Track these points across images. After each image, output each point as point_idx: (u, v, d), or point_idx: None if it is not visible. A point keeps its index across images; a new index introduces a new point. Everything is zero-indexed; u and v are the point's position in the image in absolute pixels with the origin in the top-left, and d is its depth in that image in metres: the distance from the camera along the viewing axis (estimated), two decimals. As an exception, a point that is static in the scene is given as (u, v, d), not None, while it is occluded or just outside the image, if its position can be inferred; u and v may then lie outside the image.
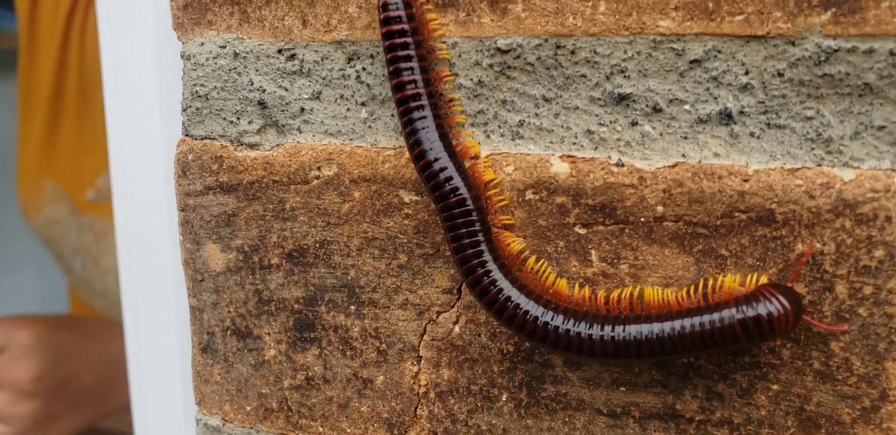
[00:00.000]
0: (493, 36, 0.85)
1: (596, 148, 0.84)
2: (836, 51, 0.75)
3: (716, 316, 0.76)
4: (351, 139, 0.93)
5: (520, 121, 0.86)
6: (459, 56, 0.87)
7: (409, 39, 0.85)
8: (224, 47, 0.97)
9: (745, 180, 0.79)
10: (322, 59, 0.93)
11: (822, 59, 0.75)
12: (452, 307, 0.92)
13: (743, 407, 0.82)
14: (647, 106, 0.81)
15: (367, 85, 0.91)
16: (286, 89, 0.95)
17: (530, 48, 0.84)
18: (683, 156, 0.81)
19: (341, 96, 0.93)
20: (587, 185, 0.84)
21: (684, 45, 0.79)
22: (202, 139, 1.00)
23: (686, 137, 0.81)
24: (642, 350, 0.78)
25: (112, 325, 1.94)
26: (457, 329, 0.92)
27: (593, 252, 0.85)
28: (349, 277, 0.95)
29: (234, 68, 0.97)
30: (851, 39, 0.74)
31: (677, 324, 0.77)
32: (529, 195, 0.86)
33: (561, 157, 0.85)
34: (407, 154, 0.89)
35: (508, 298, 0.83)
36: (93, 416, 1.97)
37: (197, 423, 1.09)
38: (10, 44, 2.67)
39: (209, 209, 1.00)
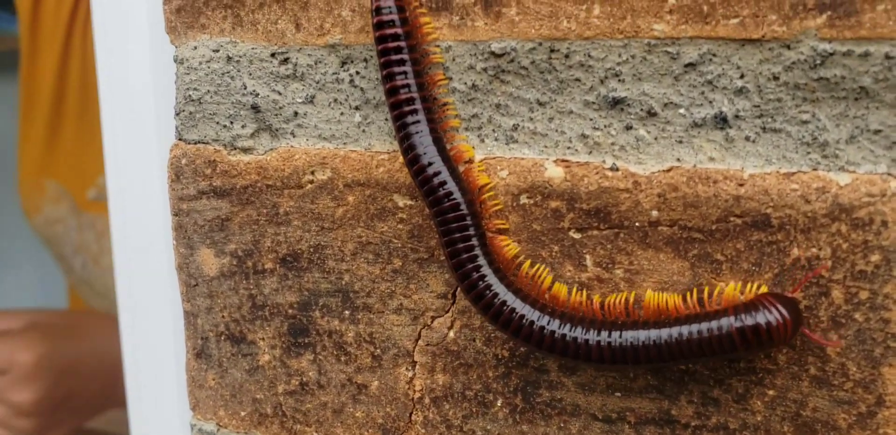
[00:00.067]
0: (487, 40, 0.85)
1: (590, 152, 0.83)
2: (831, 54, 0.74)
3: (714, 324, 0.75)
4: (345, 143, 0.93)
5: (514, 125, 0.86)
6: (453, 60, 0.87)
7: (402, 43, 0.84)
8: (217, 51, 0.96)
9: (741, 185, 0.78)
10: (315, 63, 0.92)
11: (818, 62, 0.75)
12: (447, 312, 0.91)
13: (739, 412, 0.81)
14: (641, 110, 0.81)
15: (361, 89, 0.91)
16: (280, 93, 0.94)
17: (524, 52, 0.84)
18: (678, 160, 0.80)
19: (335, 100, 0.92)
20: (581, 189, 0.83)
21: (679, 49, 0.79)
22: (195, 143, 1.00)
23: (681, 141, 0.80)
24: (639, 356, 0.78)
25: (114, 320, 1.94)
26: (451, 334, 0.91)
27: (588, 257, 0.84)
28: (343, 282, 0.95)
29: (228, 72, 0.96)
30: (847, 43, 0.74)
31: (675, 331, 0.77)
32: (524, 200, 0.86)
33: (555, 161, 0.84)
34: (401, 158, 0.88)
35: (504, 303, 0.82)
36: (88, 418, 1.98)
37: (191, 428, 1.08)
38: (9, 45, 2.68)
39: (203, 214, 1.00)
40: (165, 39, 1.02)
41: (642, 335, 0.77)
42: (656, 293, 0.80)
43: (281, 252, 0.97)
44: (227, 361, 1.03)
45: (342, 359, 0.96)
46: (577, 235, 0.84)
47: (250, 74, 0.95)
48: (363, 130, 0.92)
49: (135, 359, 1.23)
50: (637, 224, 0.82)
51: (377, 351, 0.95)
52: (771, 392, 0.80)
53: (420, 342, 0.93)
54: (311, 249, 0.95)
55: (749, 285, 0.78)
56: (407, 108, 0.84)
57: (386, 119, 0.91)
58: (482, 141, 0.87)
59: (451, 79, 0.87)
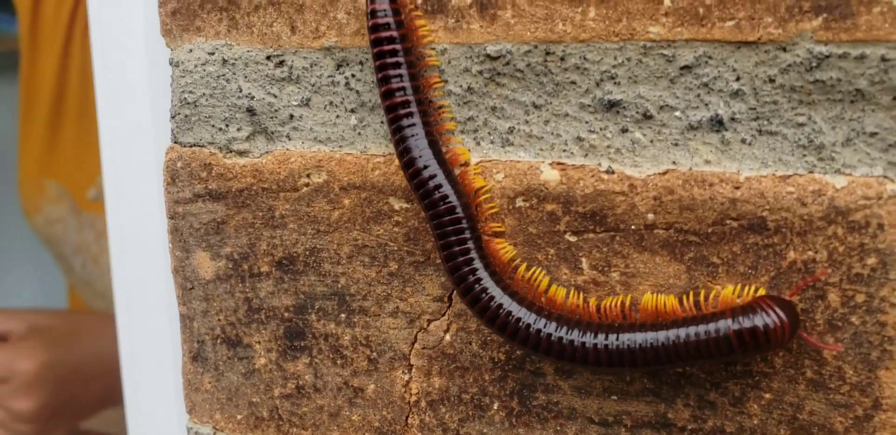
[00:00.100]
0: (483, 42, 0.85)
1: (586, 155, 0.83)
2: (827, 57, 0.74)
3: (711, 326, 0.75)
4: (340, 146, 0.93)
5: (510, 128, 0.85)
6: (449, 63, 0.87)
7: (397, 46, 0.84)
8: (212, 54, 0.96)
9: (737, 187, 0.78)
10: (311, 66, 0.92)
11: (814, 64, 0.75)
12: (443, 315, 0.91)
13: (735, 416, 0.81)
14: (637, 113, 0.81)
15: (357, 92, 0.91)
16: (275, 96, 0.94)
17: (520, 55, 0.83)
18: (674, 163, 0.80)
19: (330, 103, 0.92)
20: (577, 192, 0.83)
21: (675, 52, 0.79)
22: (191, 146, 0.99)
23: (677, 144, 0.80)
24: (636, 359, 0.77)
25: (114, 321, 1.93)
26: (448, 337, 0.91)
27: (584, 260, 0.84)
28: (339, 285, 0.94)
29: (223, 75, 0.96)
30: (843, 45, 0.74)
31: (672, 333, 0.76)
32: (520, 202, 0.86)
33: (551, 164, 0.84)
34: (397, 161, 0.88)
35: (500, 306, 0.82)
36: (87, 418, 1.98)
37: (188, 431, 1.08)
38: (9, 46, 2.69)
39: (198, 217, 1.00)
40: (162, 42, 1.02)
41: (639, 338, 0.77)
42: (654, 295, 0.80)
43: (277, 255, 0.97)
44: (223, 364, 1.02)
45: (338, 362, 0.96)
46: (572, 238, 0.84)
47: (246, 77, 0.95)
48: (359, 133, 0.92)
49: (132, 362, 1.22)
50: (633, 227, 0.82)
51: (373, 354, 0.94)
52: (767, 395, 0.80)
53: (416, 345, 0.93)
54: (307, 253, 0.95)
55: (747, 288, 0.78)
56: (402, 111, 0.84)
57: (381, 122, 0.90)
58: (478, 144, 0.87)
59: (446, 82, 0.87)
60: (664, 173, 0.80)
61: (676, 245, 0.81)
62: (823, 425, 0.78)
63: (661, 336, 0.77)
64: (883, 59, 0.73)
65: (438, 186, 0.83)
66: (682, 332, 0.76)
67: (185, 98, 0.98)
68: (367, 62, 0.90)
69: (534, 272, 0.84)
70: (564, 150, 0.84)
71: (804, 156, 0.76)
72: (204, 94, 0.97)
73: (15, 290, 3.39)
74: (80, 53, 2.19)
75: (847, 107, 0.75)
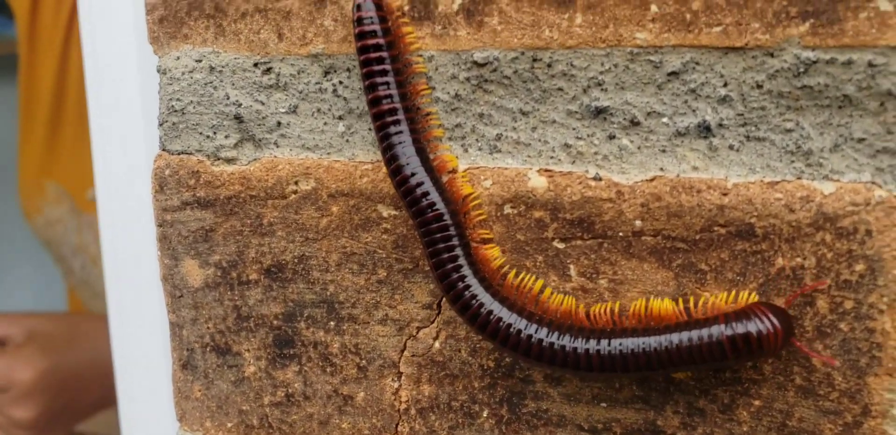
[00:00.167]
0: (470, 49, 0.84)
1: (573, 162, 0.83)
2: (814, 62, 0.74)
3: (704, 332, 0.75)
4: (328, 153, 0.92)
5: (497, 134, 0.85)
6: (436, 69, 0.86)
7: (384, 54, 0.84)
8: (200, 61, 0.96)
9: (724, 194, 0.78)
10: (298, 73, 0.92)
11: (801, 70, 0.74)
12: (432, 323, 0.91)
13: (725, 423, 0.81)
14: (624, 119, 0.80)
15: (344, 99, 0.91)
16: (263, 103, 0.94)
17: (507, 61, 0.83)
18: (661, 169, 0.80)
19: (318, 110, 0.92)
20: (565, 199, 0.83)
21: (662, 58, 0.78)
22: (179, 154, 0.99)
23: (664, 151, 0.80)
24: (628, 364, 0.77)
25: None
26: (437, 345, 0.91)
27: (572, 267, 0.84)
28: (328, 293, 0.94)
29: (210, 82, 0.96)
30: (830, 51, 0.73)
31: (665, 338, 0.76)
32: (507, 209, 0.85)
33: (539, 171, 0.84)
34: (385, 168, 0.88)
35: (490, 312, 0.82)
36: (85, 419, 1.99)
37: (178, 439, 1.08)
38: (7, 49, 2.69)
39: (187, 225, 0.99)
40: (151, 49, 1.01)
41: (631, 343, 0.77)
42: (650, 300, 0.79)
43: (265, 263, 0.96)
44: (212, 372, 1.02)
45: (328, 370, 0.96)
46: (560, 245, 0.84)
47: (233, 84, 0.95)
48: (347, 140, 0.91)
49: (125, 368, 1.22)
50: (620, 234, 0.81)
51: (363, 362, 0.94)
52: (757, 402, 0.80)
53: (406, 353, 0.92)
54: (296, 260, 0.95)
55: (743, 294, 0.77)
56: (389, 119, 0.84)
57: (369, 129, 0.90)
58: (466, 151, 0.87)
59: (433, 88, 0.87)
60: (651, 180, 0.80)
61: (664, 252, 0.80)
62: (813, 432, 0.78)
63: (654, 341, 0.76)
64: (870, 64, 0.72)
65: (426, 194, 0.83)
66: (675, 337, 0.75)
67: (173, 105, 0.98)
68: (354, 69, 0.90)
69: (524, 278, 0.84)
70: (552, 157, 0.84)
71: (792, 162, 0.76)
72: (191, 101, 0.97)
73: (14, 291, 3.39)
74: (78, 55, 2.19)
75: (835, 112, 0.74)
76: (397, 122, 0.84)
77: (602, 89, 0.81)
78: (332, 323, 0.94)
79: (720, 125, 0.78)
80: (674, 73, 0.78)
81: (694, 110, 0.78)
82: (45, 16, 2.24)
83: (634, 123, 0.80)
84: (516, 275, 0.84)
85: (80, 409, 1.94)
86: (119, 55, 1.14)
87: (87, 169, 2.18)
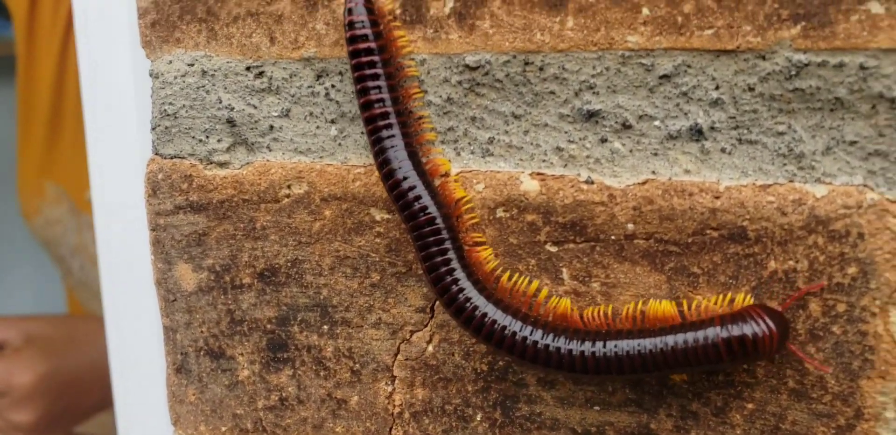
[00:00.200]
0: (462, 53, 0.84)
1: (566, 165, 0.83)
2: (806, 65, 0.74)
3: (700, 334, 0.75)
4: (321, 157, 0.92)
5: (490, 138, 0.85)
6: (428, 73, 0.86)
7: (375, 58, 0.83)
8: (192, 65, 0.96)
9: (717, 197, 0.78)
10: (290, 77, 0.92)
11: (793, 73, 0.74)
12: (426, 326, 0.91)
13: (718, 426, 0.81)
14: (616, 122, 0.80)
15: (337, 102, 0.90)
16: (255, 107, 0.94)
17: (499, 65, 0.83)
18: (653, 173, 0.80)
19: (310, 114, 0.92)
20: (557, 202, 0.83)
21: (654, 61, 0.78)
22: (171, 158, 0.99)
23: (656, 154, 0.80)
24: (623, 366, 0.77)
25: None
26: (430, 348, 0.91)
27: (564, 270, 0.84)
28: (322, 297, 0.94)
29: (203, 86, 0.95)
30: (822, 53, 0.73)
31: (660, 340, 0.76)
32: (500, 213, 0.85)
33: (531, 174, 0.84)
34: (377, 172, 0.87)
35: (485, 315, 0.82)
36: (84, 421, 1.99)
37: (173, 443, 1.08)
38: (4, 50, 2.70)
39: (180, 229, 0.99)
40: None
41: (627, 345, 0.77)
42: (650, 302, 0.79)
43: (258, 267, 0.96)
44: (206, 376, 1.02)
45: (321, 374, 0.95)
46: (553, 249, 0.84)
47: (225, 88, 0.95)
48: (339, 144, 0.91)
49: (121, 372, 1.22)
50: (613, 237, 0.81)
51: (356, 366, 0.94)
52: (750, 405, 0.79)
53: (399, 357, 0.92)
54: (289, 264, 0.95)
55: (739, 296, 0.77)
56: (381, 123, 0.84)
57: (362, 132, 0.90)
58: (458, 154, 0.87)
59: (426, 92, 0.87)
60: (644, 183, 0.80)
61: (656, 255, 0.80)
62: (806, 435, 0.78)
63: (649, 343, 0.76)
64: (861, 67, 0.72)
65: (418, 198, 0.83)
66: (671, 339, 0.75)
67: (165, 110, 0.98)
68: (346, 72, 0.90)
69: (518, 280, 0.84)
70: (544, 161, 0.83)
71: (784, 165, 0.76)
72: (184, 105, 0.97)
73: (14, 291, 3.39)
74: (77, 56, 2.19)
75: (827, 115, 0.74)
76: (389, 126, 0.84)
77: (594, 92, 0.81)
78: (325, 327, 0.94)
79: (712, 128, 0.78)
80: (665, 77, 0.78)
81: (686, 113, 0.78)
82: (43, 17, 2.24)
83: (626, 127, 0.80)
84: (510, 277, 0.84)
85: (79, 411, 1.94)
86: (114, 59, 1.13)
87: (86, 169, 2.18)
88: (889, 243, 0.73)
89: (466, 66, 0.84)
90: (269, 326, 0.97)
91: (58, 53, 2.22)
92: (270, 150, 0.94)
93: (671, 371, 0.76)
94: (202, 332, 1.01)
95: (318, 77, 0.91)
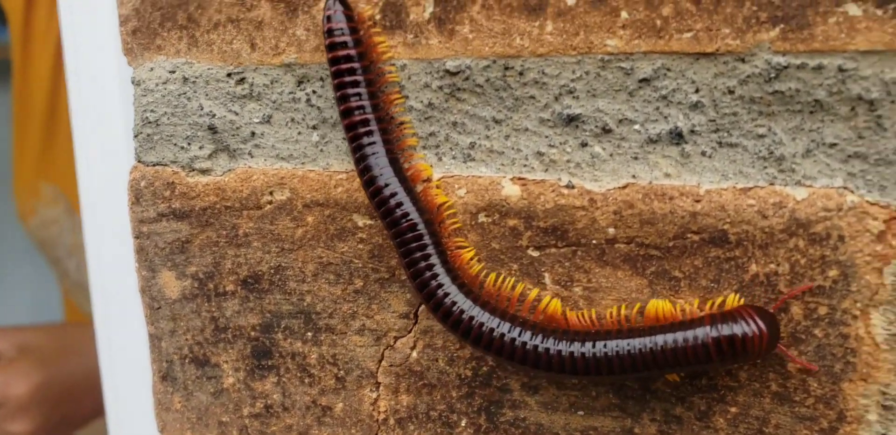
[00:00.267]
0: (442, 58, 0.84)
1: (546, 170, 0.82)
2: (785, 67, 0.74)
3: (689, 333, 0.74)
4: (303, 163, 0.92)
5: (471, 143, 0.85)
6: (409, 78, 0.86)
7: (355, 65, 0.83)
8: (173, 72, 0.95)
9: (697, 201, 0.77)
10: (272, 83, 0.91)
11: (773, 75, 0.74)
12: (409, 332, 0.90)
13: (701, 430, 0.81)
14: (596, 127, 0.80)
15: (318, 108, 0.90)
16: (236, 113, 0.93)
17: (479, 70, 0.83)
18: (634, 177, 0.80)
19: (292, 120, 0.91)
20: (538, 207, 0.83)
21: (633, 64, 0.78)
22: (154, 165, 0.99)
23: (636, 158, 0.79)
24: (613, 367, 0.76)
25: None
26: (414, 354, 0.90)
27: (547, 275, 0.83)
28: (305, 303, 0.94)
29: (184, 93, 0.95)
30: (800, 56, 0.73)
31: (649, 340, 0.75)
32: (482, 218, 0.85)
33: (512, 179, 0.84)
34: (359, 179, 0.87)
35: (472, 318, 0.81)
36: (81, 428, 1.99)
37: (160, 451, 1.07)
38: (1, 54, 2.70)
39: (163, 236, 0.99)
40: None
41: (616, 345, 0.76)
42: (653, 301, 0.79)
43: (242, 274, 0.96)
44: (192, 383, 1.02)
45: (306, 381, 0.95)
46: (535, 253, 0.84)
47: (207, 95, 0.94)
48: (321, 150, 0.91)
49: (111, 380, 1.22)
50: (594, 242, 0.81)
51: (341, 372, 0.94)
52: (733, 409, 0.79)
53: (383, 363, 0.92)
54: (272, 271, 0.94)
55: (732, 296, 0.77)
56: (362, 130, 0.84)
57: (343, 138, 0.90)
58: (440, 159, 0.87)
59: (407, 97, 0.86)
60: (624, 187, 0.80)
61: (638, 259, 0.80)
62: (789, 439, 0.78)
63: (638, 343, 0.76)
64: (840, 69, 0.72)
65: (399, 204, 0.83)
66: (660, 338, 0.75)
67: (147, 117, 0.98)
68: (327, 78, 0.89)
69: (504, 281, 0.83)
70: (525, 165, 0.83)
71: (765, 168, 0.76)
72: (165, 112, 0.97)
73: (12, 294, 3.39)
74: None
75: (806, 118, 0.74)
76: (370, 133, 0.84)
77: (574, 97, 0.80)
78: (309, 334, 0.94)
79: (692, 131, 0.77)
80: (645, 80, 0.78)
81: (666, 117, 0.78)
82: (38, 21, 2.24)
83: (606, 131, 0.80)
84: (496, 279, 0.84)
85: (76, 419, 1.94)
86: (100, 67, 1.13)
87: (81, 171, 2.18)
88: (869, 246, 0.73)
89: (447, 71, 0.84)
90: (253, 333, 0.97)
91: (53, 56, 2.22)
92: (252, 157, 0.94)
93: (661, 372, 0.76)
94: (187, 339, 1.00)
95: (300, 83, 0.90)
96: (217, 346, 0.99)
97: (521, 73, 0.82)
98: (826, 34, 0.72)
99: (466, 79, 0.84)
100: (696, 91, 0.77)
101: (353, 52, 0.83)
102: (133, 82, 0.99)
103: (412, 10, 0.84)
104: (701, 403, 0.80)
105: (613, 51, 0.78)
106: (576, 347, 0.77)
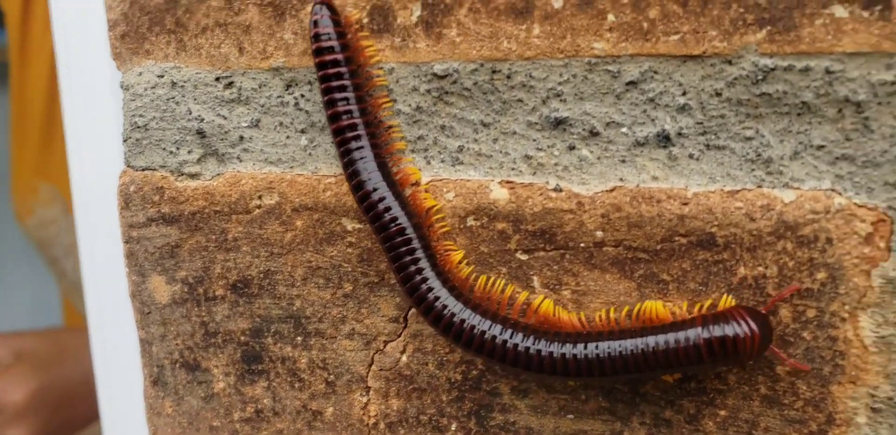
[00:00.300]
0: (430, 61, 0.84)
1: (534, 173, 0.82)
2: (772, 69, 0.74)
3: (681, 335, 0.74)
4: (291, 167, 0.92)
5: (459, 146, 0.85)
6: (397, 82, 0.86)
7: (342, 69, 0.83)
8: (162, 76, 0.95)
9: (685, 204, 0.77)
10: (260, 87, 0.91)
11: (760, 77, 0.74)
12: (399, 336, 0.90)
13: (691, 433, 0.80)
14: (583, 130, 0.80)
15: (306, 112, 0.90)
16: (225, 118, 0.93)
17: (466, 73, 0.83)
18: (621, 180, 0.79)
19: (280, 124, 0.91)
20: (526, 210, 0.82)
21: (620, 67, 0.78)
22: (143, 170, 0.98)
23: (624, 161, 0.79)
24: (605, 368, 0.76)
25: None
26: (404, 358, 0.90)
27: (535, 278, 0.83)
28: (295, 308, 0.93)
29: (173, 98, 0.95)
30: (787, 58, 0.73)
31: (641, 341, 0.75)
32: (471, 222, 0.85)
33: (500, 182, 0.84)
34: (347, 183, 0.87)
35: (463, 321, 0.81)
36: (79, 431, 1.99)
37: (151, 456, 1.07)
38: (-2, 56, 2.72)
39: (153, 241, 0.99)
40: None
41: (608, 346, 0.76)
42: (649, 303, 0.78)
43: (231, 278, 0.96)
44: (182, 388, 1.01)
45: (296, 385, 0.95)
46: (523, 257, 0.83)
47: (195, 99, 0.94)
48: (309, 154, 0.91)
49: (105, 384, 1.21)
50: (582, 245, 0.81)
51: (331, 377, 0.93)
52: (722, 412, 0.79)
53: (373, 367, 0.92)
54: (262, 275, 0.94)
55: (725, 297, 0.76)
56: (350, 134, 0.84)
57: (332, 142, 0.90)
58: (428, 163, 0.86)
59: (395, 101, 0.86)
60: (611, 190, 0.80)
61: (626, 262, 0.80)
62: (779, 442, 0.77)
63: (630, 344, 0.75)
64: (827, 71, 0.72)
65: (388, 209, 0.83)
66: (652, 340, 0.75)
67: (136, 122, 0.98)
68: (315, 82, 0.89)
69: (494, 283, 0.83)
70: (513, 169, 0.83)
71: (752, 170, 0.76)
72: (154, 117, 0.96)
73: (12, 295, 3.39)
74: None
75: (794, 120, 0.74)
76: (358, 138, 0.84)
77: (561, 100, 0.80)
78: (299, 338, 0.94)
79: (679, 134, 0.77)
80: (632, 83, 0.78)
81: (653, 120, 0.78)
82: (36, 22, 2.25)
83: (594, 134, 0.80)
84: (487, 281, 0.84)
85: (73, 424, 1.94)
86: (91, 71, 1.13)
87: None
88: (857, 248, 0.73)
89: (435, 74, 0.84)
90: (242, 337, 0.96)
91: (50, 57, 2.22)
92: (241, 161, 0.94)
93: (653, 373, 0.76)
94: (177, 344, 1.00)
95: (288, 87, 0.90)
96: (207, 350, 0.99)
97: (508, 77, 0.82)
98: (813, 36, 0.72)
99: (454, 82, 0.84)
100: (684, 94, 0.77)
101: (340, 56, 0.83)
102: (122, 87, 0.98)
103: (400, 14, 0.84)
104: (690, 407, 0.80)
105: (600, 54, 0.78)
106: (568, 349, 0.77)
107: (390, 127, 0.86)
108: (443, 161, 0.86)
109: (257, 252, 0.94)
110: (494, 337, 0.80)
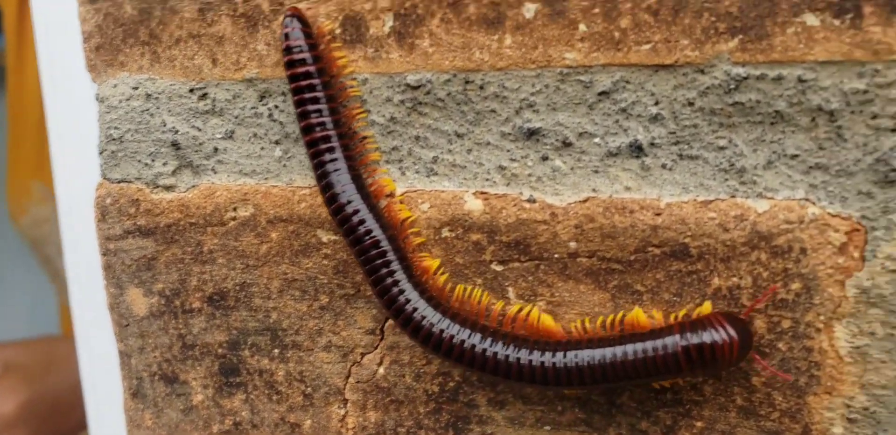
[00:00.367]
0: (403, 72, 0.83)
1: (508, 184, 0.82)
2: (745, 78, 0.73)
3: (659, 342, 0.73)
4: (266, 178, 0.91)
5: (434, 157, 0.84)
6: (371, 92, 0.85)
7: (315, 81, 0.83)
8: (136, 88, 0.95)
9: (658, 214, 0.77)
10: (234, 98, 0.91)
11: (732, 87, 0.74)
12: (376, 348, 0.90)
13: (668, 445, 0.80)
14: (556, 140, 0.79)
15: (280, 123, 0.90)
16: (199, 129, 0.93)
17: (440, 84, 0.82)
18: (594, 190, 0.79)
19: (254, 135, 0.91)
20: (501, 221, 0.82)
21: (592, 77, 0.78)
22: (119, 182, 0.98)
23: (597, 171, 0.79)
24: (584, 377, 0.76)
25: None
26: (381, 370, 0.90)
27: (510, 289, 0.83)
28: (271, 320, 0.93)
29: (147, 109, 0.95)
30: (760, 66, 0.73)
31: (619, 350, 0.75)
32: (445, 233, 0.84)
33: (474, 193, 0.83)
34: (321, 196, 0.87)
35: (442, 331, 0.81)
36: None
37: (132, 469, 1.07)
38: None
39: (129, 253, 0.98)
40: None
41: (586, 355, 0.75)
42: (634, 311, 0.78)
43: (207, 291, 0.95)
44: (161, 401, 1.01)
45: (274, 398, 0.94)
46: (498, 268, 0.83)
47: (169, 111, 0.94)
48: (284, 165, 0.90)
49: (93, 395, 1.21)
50: (556, 256, 0.80)
51: (308, 389, 0.93)
52: (699, 423, 0.79)
53: (350, 379, 0.91)
54: (238, 287, 0.94)
55: (707, 304, 0.75)
56: (323, 146, 0.83)
57: (306, 154, 0.89)
58: (403, 173, 0.86)
59: (369, 112, 0.86)
60: (585, 201, 0.79)
61: (600, 273, 0.79)
62: (755, 453, 0.77)
63: (609, 353, 0.75)
64: (800, 79, 0.72)
65: (362, 221, 0.82)
66: (630, 348, 0.74)
67: (111, 134, 0.97)
68: (289, 93, 0.89)
69: (471, 292, 0.83)
70: (487, 180, 0.83)
71: (726, 180, 0.75)
72: (129, 129, 0.96)
73: (12, 295, 3.38)
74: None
75: (767, 129, 0.74)
76: (331, 150, 0.83)
77: (534, 110, 0.80)
78: (276, 351, 0.93)
79: (652, 144, 0.77)
80: (604, 93, 0.77)
81: (625, 130, 0.77)
82: (33, 25, 2.25)
83: (566, 144, 0.79)
84: (464, 290, 0.83)
85: (66, 431, 1.94)
86: (72, 82, 1.12)
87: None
88: (831, 258, 0.72)
89: (408, 85, 0.84)
90: (220, 350, 0.96)
91: None
92: (216, 173, 0.93)
93: (632, 382, 0.75)
94: (155, 356, 1.00)
95: (262, 98, 0.90)
96: (185, 363, 0.98)
97: (481, 87, 0.81)
98: (785, 45, 0.71)
99: (428, 93, 0.83)
100: (656, 103, 0.76)
101: (312, 68, 0.83)
102: (97, 99, 0.98)
103: (372, 24, 0.83)
104: (667, 418, 0.79)
105: (572, 64, 0.78)
106: (547, 357, 0.77)
107: (364, 138, 0.86)
108: (417, 172, 0.85)
109: (233, 264, 0.93)
110: (473, 346, 0.79)
